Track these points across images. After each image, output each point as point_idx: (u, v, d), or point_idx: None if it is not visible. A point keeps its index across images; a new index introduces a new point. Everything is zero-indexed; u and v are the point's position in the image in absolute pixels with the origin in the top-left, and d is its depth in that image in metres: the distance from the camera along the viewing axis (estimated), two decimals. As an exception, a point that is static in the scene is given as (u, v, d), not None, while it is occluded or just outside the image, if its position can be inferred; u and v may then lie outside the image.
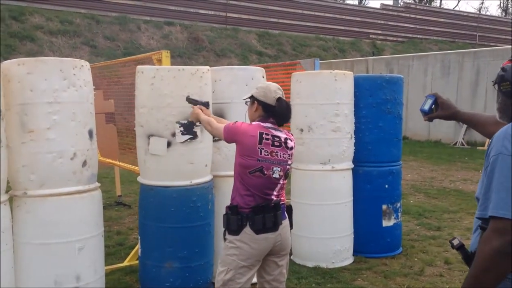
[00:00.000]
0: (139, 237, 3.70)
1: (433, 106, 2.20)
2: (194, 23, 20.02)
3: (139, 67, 3.68)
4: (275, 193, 2.73)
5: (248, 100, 2.88)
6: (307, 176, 4.61)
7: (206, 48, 19.28)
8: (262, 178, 2.67)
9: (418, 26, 27.47)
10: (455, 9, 36.57)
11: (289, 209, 2.92)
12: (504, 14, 43.39)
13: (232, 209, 2.72)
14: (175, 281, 3.50)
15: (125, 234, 5.36)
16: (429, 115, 2.24)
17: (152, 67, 3.70)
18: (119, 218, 6.05)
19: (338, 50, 23.81)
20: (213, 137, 3.89)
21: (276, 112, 2.75)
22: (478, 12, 34.42)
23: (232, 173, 3.59)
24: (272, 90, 2.79)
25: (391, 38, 26.55)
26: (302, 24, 23.66)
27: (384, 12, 26.75)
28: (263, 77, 4.19)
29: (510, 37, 28.95)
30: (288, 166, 2.78)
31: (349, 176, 4.69)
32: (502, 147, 1.51)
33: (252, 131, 2.70)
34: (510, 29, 30.52)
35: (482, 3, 61.86)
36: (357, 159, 4.78)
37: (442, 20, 28.43)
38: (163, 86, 3.52)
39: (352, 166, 4.73)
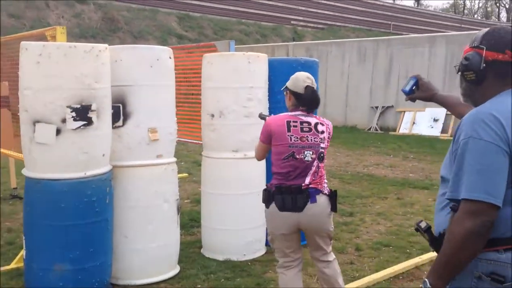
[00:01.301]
0: (23, 237, 3.28)
1: (414, 87, 2.30)
2: (109, 2, 19.00)
3: (23, 43, 3.22)
4: (308, 177, 2.89)
5: (285, 90, 3.07)
6: (217, 165, 4.38)
7: (122, 29, 18.41)
8: (294, 161, 2.86)
9: (337, 14, 28.05)
10: (371, -2, 37.71)
11: (333, 194, 3.02)
12: (417, 5, 45.58)
13: (266, 187, 3.03)
14: (66, 285, 3.13)
15: (17, 231, 4.81)
16: (410, 96, 2.33)
17: (38, 43, 3.26)
18: (12, 213, 5.47)
19: (260, 35, 23.74)
20: (113, 123, 3.58)
21: (304, 100, 2.94)
22: (393, 2, 35.77)
23: (137, 162, 3.74)
24: (301, 79, 2.99)
25: (311, 25, 26.89)
26: (224, 7, 23.28)
27: (305, -2, 26.98)
28: (170, 58, 3.88)
29: (422, 27, 30.41)
30: (321, 149, 2.94)
31: (262, 163, 4.49)
32: (473, 131, 1.58)
33: (279, 120, 2.93)
34: (420, 18, 32.06)
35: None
36: (271, 146, 4.60)
37: (359, 8, 29.23)
38: (51, 65, 3.12)
39: (266, 153, 4.55)
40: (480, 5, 51.67)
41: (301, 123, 2.92)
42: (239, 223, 4.38)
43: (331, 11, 27.76)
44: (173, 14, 21.01)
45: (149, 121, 3.75)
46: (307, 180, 2.90)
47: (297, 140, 2.87)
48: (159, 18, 20.26)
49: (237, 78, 4.22)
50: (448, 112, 12.80)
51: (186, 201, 6.56)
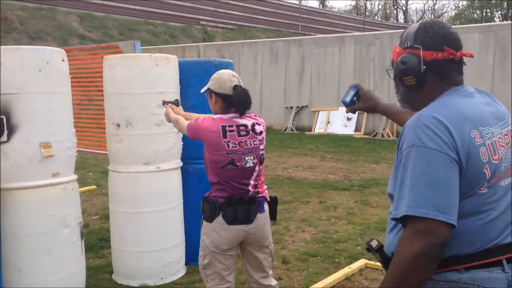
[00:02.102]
0: None
1: (354, 98, 2.10)
2: (1, 1, 17.36)
3: None
4: (252, 182, 2.68)
5: (207, 93, 2.78)
6: (127, 180, 3.88)
7: (17, 29, 16.90)
8: (235, 170, 2.63)
9: (246, 14, 28.03)
10: (279, -1, 38.29)
11: (274, 201, 2.86)
12: (321, 6, 47.04)
13: (207, 198, 2.73)
14: None
15: None
16: (350, 107, 2.12)
17: None
18: None
19: (169, 36, 23.04)
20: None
21: (235, 102, 2.66)
22: (299, 4, 36.54)
23: (27, 183, 3.18)
24: (226, 79, 2.70)
25: (221, 26, 26.63)
26: (129, 7, 22.33)
27: (214, -2, 26.66)
28: (63, 60, 3.33)
29: (328, 28, 31.32)
30: (261, 152, 2.72)
31: (177, 176, 4.08)
32: (416, 138, 1.39)
33: (213, 126, 2.61)
34: (326, 19, 33.04)
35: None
36: (187, 156, 4.18)
37: (268, 9, 29.46)
38: None
39: (181, 164, 4.12)
40: (380, 7, 54.51)
41: (238, 126, 2.64)
42: (155, 244, 3.91)
43: (240, 12, 27.69)
44: (73, 13, 19.72)
45: (40, 134, 3.19)
46: (251, 186, 2.68)
47: (236, 146, 2.62)
48: (58, 18, 18.91)
49: (144, 83, 3.75)
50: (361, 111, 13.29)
51: (94, 217, 5.96)
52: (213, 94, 2.73)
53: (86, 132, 6.50)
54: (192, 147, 4.24)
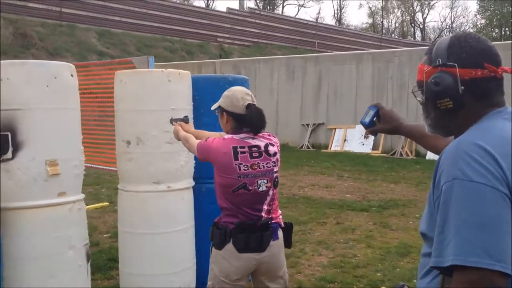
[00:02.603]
0: None
1: (374, 119, 1.90)
2: (21, 17, 17.64)
3: None
4: (265, 207, 2.52)
5: (218, 110, 2.62)
6: (136, 199, 3.72)
7: (36, 45, 17.10)
8: (247, 194, 2.46)
9: (263, 32, 28.10)
10: (296, 16, 38.44)
11: (288, 228, 2.69)
12: (338, 24, 47.07)
13: (216, 223, 2.58)
14: None
15: None
16: (370, 129, 1.91)
17: None
18: None
19: (186, 52, 23.15)
20: (0, 157, 2.90)
21: (248, 122, 2.50)
22: (315, 21, 36.58)
23: (32, 203, 3.02)
24: (239, 98, 2.52)
25: (238, 42, 26.71)
26: (147, 24, 22.53)
27: (231, 16, 26.82)
28: (72, 75, 3.21)
29: (345, 45, 31.22)
30: (275, 174, 2.55)
31: (189, 196, 3.91)
32: (457, 171, 1.17)
33: (224, 147, 2.45)
34: (343, 37, 32.96)
35: (319, 13, 66.48)
36: (199, 175, 4.02)
37: (284, 26, 29.51)
38: None
39: (193, 183, 3.96)
40: (397, 24, 54.38)
41: (250, 148, 2.48)
42: (164, 267, 3.73)
43: (257, 29, 27.77)
44: (92, 30, 19.92)
45: (47, 152, 3.05)
46: (264, 211, 2.52)
47: (248, 169, 2.44)
48: (77, 34, 19.12)
49: (156, 99, 3.62)
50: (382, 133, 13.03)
51: (105, 235, 5.82)
52: (224, 113, 2.57)
53: (102, 148, 6.41)
54: (205, 166, 4.06)
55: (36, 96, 3.00)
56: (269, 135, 2.61)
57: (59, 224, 3.13)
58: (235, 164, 2.43)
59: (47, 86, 3.03)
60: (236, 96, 2.53)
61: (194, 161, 3.97)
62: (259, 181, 2.48)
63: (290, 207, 7.07)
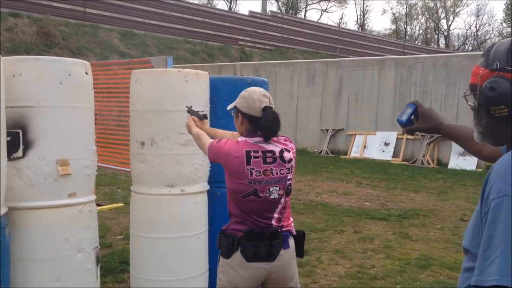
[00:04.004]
0: None
1: (412, 117, 1.82)
2: (45, 17, 17.84)
3: None
4: (276, 215, 2.40)
5: (233, 111, 2.52)
6: (149, 202, 3.63)
7: (59, 45, 17.27)
8: (258, 202, 2.34)
9: (284, 36, 27.99)
10: (318, 21, 38.22)
11: (301, 236, 2.55)
12: (360, 29, 46.69)
13: (224, 231, 2.48)
14: None
15: None
16: (407, 127, 1.83)
17: None
18: None
19: (207, 55, 23.16)
20: (10, 154, 2.83)
21: (262, 126, 2.37)
22: (338, 26, 36.32)
23: (42, 203, 2.94)
24: (256, 99, 2.39)
25: (259, 46, 26.65)
26: (169, 26, 22.61)
27: (253, 19, 26.78)
28: (86, 73, 3.13)
29: (367, 51, 30.92)
30: (288, 182, 2.43)
31: (203, 200, 3.80)
32: (508, 186, 1.10)
33: (236, 150, 2.34)
34: (365, 43, 32.64)
35: (342, 18, 66.11)
36: (214, 179, 3.91)
37: (306, 31, 29.35)
38: None
39: (208, 187, 3.85)
40: (420, 31, 53.70)
41: (264, 152, 2.35)
42: (176, 273, 3.62)
43: (279, 33, 27.66)
44: (115, 30, 20.06)
45: (58, 151, 2.97)
46: (274, 219, 2.40)
47: (260, 175, 2.32)
48: (100, 35, 19.26)
49: (172, 100, 3.52)
50: (400, 136, 12.82)
51: (118, 237, 5.74)
52: (239, 114, 2.46)
53: (119, 149, 6.36)
54: (221, 169, 3.98)
55: (49, 93, 2.93)
56: (285, 140, 2.50)
57: (68, 226, 3.04)
58: (247, 169, 2.32)
59: (61, 83, 2.95)
60: (253, 98, 2.41)
61: (210, 164, 3.86)
62: (271, 188, 2.36)
63: (307, 213, 6.91)
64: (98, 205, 7.02)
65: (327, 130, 14.34)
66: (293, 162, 2.46)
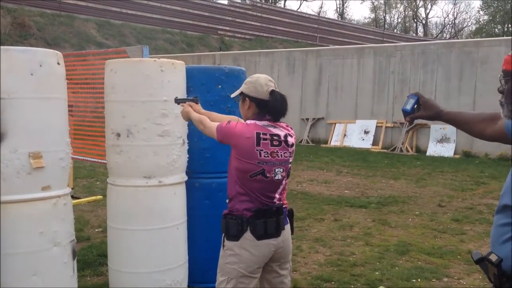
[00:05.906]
0: None
1: (415, 106, 2.04)
2: (20, 7, 17.44)
3: None
4: (277, 195, 2.54)
5: (239, 97, 2.63)
6: (126, 194, 3.58)
7: (35, 35, 16.91)
8: (264, 182, 2.47)
9: (264, 25, 27.88)
10: (298, 10, 38.14)
11: (290, 214, 2.70)
12: (340, 18, 46.77)
13: (231, 214, 2.54)
14: None
15: None
16: (411, 116, 2.06)
17: None
18: None
19: (186, 45, 22.96)
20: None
21: (271, 108, 2.52)
22: (318, 15, 36.30)
23: (15, 197, 2.90)
24: (263, 84, 2.55)
25: (239, 35, 26.51)
26: (147, 16, 22.31)
27: (232, 8, 26.61)
28: (58, 63, 3.06)
29: (347, 39, 31.01)
30: (289, 165, 2.59)
31: (181, 191, 3.77)
32: None
33: (247, 132, 2.46)
34: (345, 31, 32.73)
35: (321, 7, 66.02)
36: (192, 170, 3.88)
37: (286, 20, 29.28)
38: None
39: (186, 178, 3.82)
40: (399, 20, 54.03)
41: (271, 135, 2.50)
42: (155, 264, 3.60)
43: (258, 22, 27.54)
44: (91, 20, 19.72)
45: (30, 144, 2.90)
46: (276, 199, 2.54)
47: (267, 156, 2.47)
48: (76, 25, 18.92)
49: (148, 90, 3.46)
50: (380, 124, 12.91)
51: (97, 230, 5.68)
52: (247, 98, 2.57)
53: (96, 141, 6.27)
54: (199, 161, 3.96)
55: (19, 84, 2.85)
56: (287, 126, 2.63)
57: (43, 220, 2.99)
58: (257, 150, 2.44)
59: (31, 74, 2.87)
60: (260, 82, 2.55)
61: (188, 155, 3.83)
62: (276, 170, 2.49)
63: (288, 203, 6.90)
64: (76, 198, 6.95)
65: (307, 119, 14.38)
66: (294, 148, 2.60)
